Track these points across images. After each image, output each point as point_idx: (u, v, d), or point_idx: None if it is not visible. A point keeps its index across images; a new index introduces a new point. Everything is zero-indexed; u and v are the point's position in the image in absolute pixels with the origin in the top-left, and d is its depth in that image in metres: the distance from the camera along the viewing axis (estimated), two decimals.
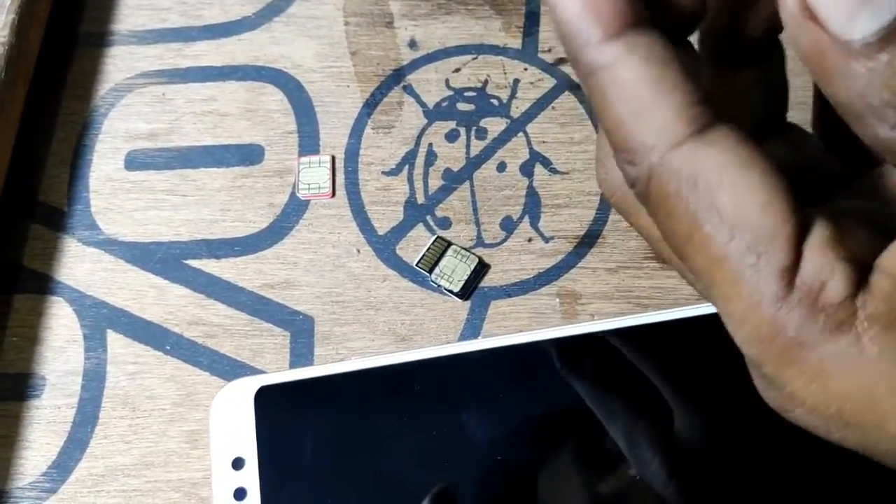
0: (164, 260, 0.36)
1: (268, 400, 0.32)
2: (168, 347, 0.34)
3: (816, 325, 0.15)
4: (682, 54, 0.16)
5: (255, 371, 0.34)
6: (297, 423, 0.32)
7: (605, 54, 0.15)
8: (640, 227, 0.20)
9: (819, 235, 0.15)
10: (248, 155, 0.37)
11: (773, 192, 0.15)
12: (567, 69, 0.39)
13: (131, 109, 0.39)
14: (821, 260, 0.15)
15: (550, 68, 0.39)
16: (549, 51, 0.39)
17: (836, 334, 0.15)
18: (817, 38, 0.14)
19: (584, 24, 0.15)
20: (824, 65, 0.15)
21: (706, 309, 0.33)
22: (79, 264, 0.36)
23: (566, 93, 0.39)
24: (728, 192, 0.15)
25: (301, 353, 0.34)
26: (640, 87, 0.15)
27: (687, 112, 0.15)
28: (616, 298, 0.35)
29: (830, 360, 0.15)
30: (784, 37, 0.16)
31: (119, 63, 0.40)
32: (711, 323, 0.32)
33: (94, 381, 0.34)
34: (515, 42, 0.40)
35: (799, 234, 0.15)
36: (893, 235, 0.16)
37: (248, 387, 0.32)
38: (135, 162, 0.38)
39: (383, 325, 0.34)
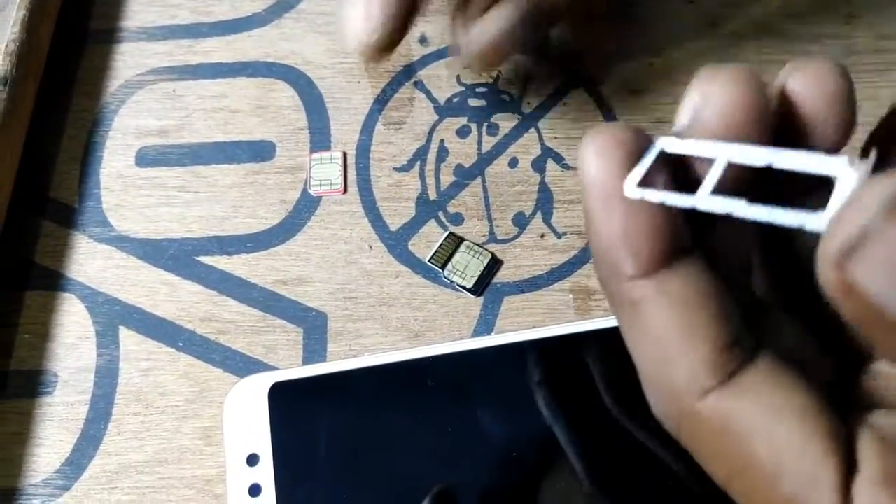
0: (176, 256, 0.36)
1: (282, 396, 0.32)
2: (181, 344, 0.34)
3: None
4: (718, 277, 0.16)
5: (268, 367, 0.34)
6: (312, 418, 0.32)
7: (636, 291, 0.15)
8: None
9: (868, 473, 0.15)
10: (260, 151, 0.37)
11: (812, 435, 0.15)
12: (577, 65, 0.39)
13: (142, 106, 0.39)
14: (872, 502, 0.14)
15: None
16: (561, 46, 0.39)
17: None
18: (859, 307, 0.13)
19: (620, 254, 0.15)
20: (871, 330, 0.14)
21: None
22: (90, 261, 0.36)
23: (578, 88, 0.38)
24: (763, 442, 0.15)
25: (314, 349, 0.34)
26: (669, 331, 0.15)
27: (716, 359, 0.15)
28: None
29: None
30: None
31: (129, 59, 0.40)
32: None
33: (106, 378, 0.34)
34: None
35: (844, 475, 0.15)
36: None
37: (262, 383, 0.32)
38: (146, 158, 0.37)
39: (396, 322, 0.34)
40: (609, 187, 0.15)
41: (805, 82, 0.16)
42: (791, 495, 0.15)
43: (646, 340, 0.15)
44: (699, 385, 0.15)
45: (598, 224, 0.15)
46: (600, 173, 0.15)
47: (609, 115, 0.38)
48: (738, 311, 0.16)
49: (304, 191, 0.36)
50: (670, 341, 0.15)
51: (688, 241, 0.16)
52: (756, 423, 0.15)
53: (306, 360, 0.34)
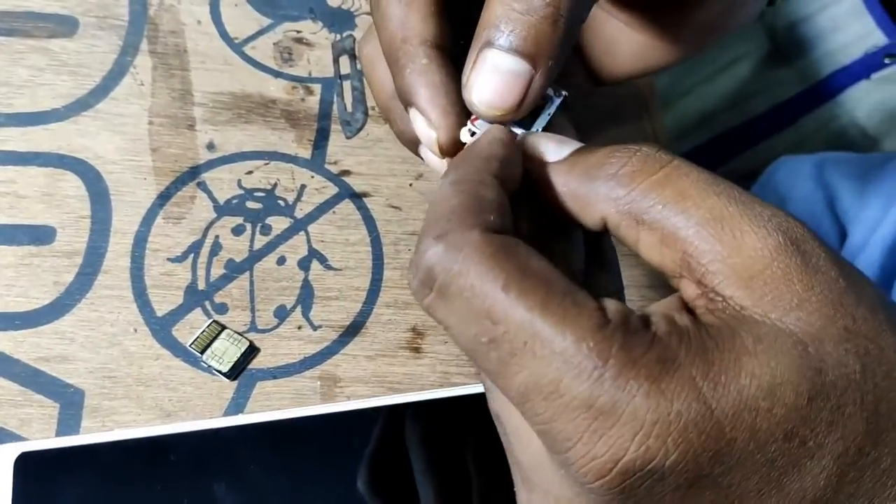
0: None
1: (28, 467, 0.34)
2: None
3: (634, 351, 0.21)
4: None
5: (19, 439, 0.35)
6: (57, 490, 0.34)
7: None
8: None
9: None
10: (40, 235, 0.40)
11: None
12: (348, 180, 0.44)
13: None
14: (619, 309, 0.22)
15: (335, 178, 0.44)
16: (335, 163, 0.45)
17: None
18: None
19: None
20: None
21: (446, 393, 0.38)
22: None
23: (346, 200, 0.44)
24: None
25: (69, 424, 0.36)
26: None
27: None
28: (371, 383, 0.39)
29: None
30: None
31: None
32: (451, 404, 0.37)
33: None
34: (306, 153, 0.45)
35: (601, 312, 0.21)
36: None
37: (8, 453, 0.34)
38: None
39: (151, 401, 0.37)
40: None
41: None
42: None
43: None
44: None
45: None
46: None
47: (371, 225, 0.43)
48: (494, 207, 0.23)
49: (79, 274, 0.39)
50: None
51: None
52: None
53: (59, 434, 0.36)
